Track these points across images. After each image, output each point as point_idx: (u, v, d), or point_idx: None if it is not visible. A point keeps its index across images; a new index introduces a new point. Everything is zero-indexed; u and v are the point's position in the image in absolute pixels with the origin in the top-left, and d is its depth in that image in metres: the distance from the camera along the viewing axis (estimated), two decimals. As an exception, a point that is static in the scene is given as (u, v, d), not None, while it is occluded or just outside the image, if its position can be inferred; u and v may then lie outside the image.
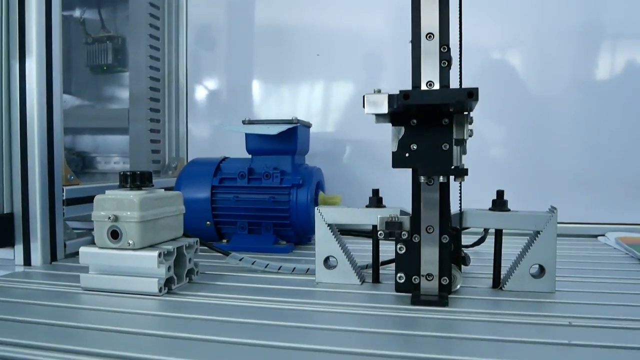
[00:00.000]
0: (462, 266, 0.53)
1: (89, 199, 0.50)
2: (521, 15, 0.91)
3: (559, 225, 0.49)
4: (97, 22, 0.98)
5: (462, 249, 0.53)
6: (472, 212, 0.51)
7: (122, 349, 0.35)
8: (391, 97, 0.45)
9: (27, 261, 0.64)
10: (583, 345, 0.36)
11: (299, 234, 0.75)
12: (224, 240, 0.76)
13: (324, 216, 0.54)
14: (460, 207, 0.52)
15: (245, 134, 0.74)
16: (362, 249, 0.67)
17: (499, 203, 0.51)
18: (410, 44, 0.47)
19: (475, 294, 0.50)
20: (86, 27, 0.99)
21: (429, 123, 0.47)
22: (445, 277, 0.48)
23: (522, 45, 0.93)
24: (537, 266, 0.50)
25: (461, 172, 0.46)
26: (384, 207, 0.54)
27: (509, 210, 0.51)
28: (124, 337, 0.38)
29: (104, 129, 1.02)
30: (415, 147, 0.47)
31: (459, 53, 0.50)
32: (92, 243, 0.52)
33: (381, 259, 0.56)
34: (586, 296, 0.49)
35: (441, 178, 0.47)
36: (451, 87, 0.46)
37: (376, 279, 0.55)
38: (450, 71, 0.47)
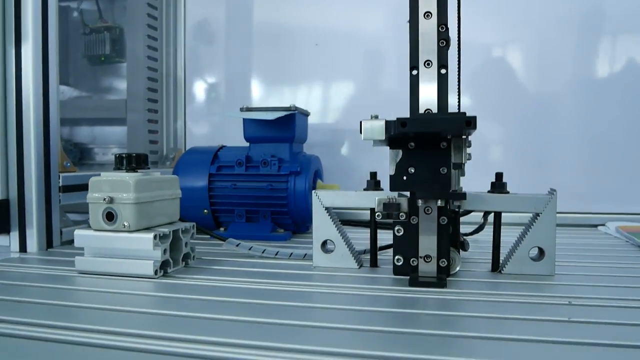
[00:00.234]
0: (461, 251, 0.53)
1: (86, 187, 0.50)
2: (520, 7, 0.91)
3: (558, 215, 0.49)
4: (94, 12, 0.98)
5: (462, 235, 0.53)
6: (471, 195, 0.50)
7: (117, 326, 0.35)
8: (388, 124, 0.45)
9: (23, 248, 0.63)
10: (583, 321, 0.36)
11: (297, 223, 0.75)
12: (222, 229, 0.76)
13: (322, 199, 0.53)
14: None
15: (243, 121, 0.74)
16: (360, 237, 0.67)
17: (498, 185, 0.51)
18: (407, 24, 0.47)
19: (474, 276, 0.50)
20: (84, 17, 0.98)
21: (427, 147, 0.46)
22: (444, 259, 0.48)
23: (521, 34, 0.92)
24: (536, 249, 0.50)
25: (459, 197, 0.46)
26: (382, 189, 0.53)
27: (508, 192, 0.51)
28: (119, 315, 0.38)
29: (101, 119, 1.01)
30: (413, 171, 0.46)
31: (457, 52, 0.49)
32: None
33: (379, 245, 0.55)
34: (586, 279, 0.48)
35: (439, 202, 0.46)
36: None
37: (374, 263, 0.54)
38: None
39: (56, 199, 0.66)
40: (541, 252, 0.49)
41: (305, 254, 0.57)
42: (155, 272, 0.48)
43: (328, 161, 0.88)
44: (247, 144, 0.76)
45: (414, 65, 0.47)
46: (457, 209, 0.50)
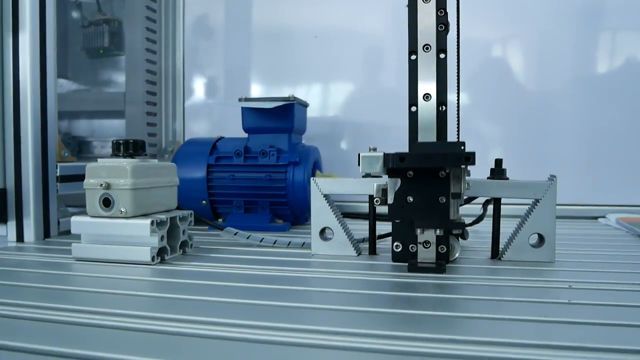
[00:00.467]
0: (460, 240, 0.53)
1: (84, 177, 0.50)
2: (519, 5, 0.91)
3: (558, 207, 0.49)
4: (93, 4, 0.97)
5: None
6: (470, 181, 0.50)
7: (113, 307, 0.34)
8: (386, 157, 0.44)
9: (20, 237, 0.63)
10: (583, 303, 0.35)
11: (295, 214, 0.74)
12: (220, 220, 0.75)
13: (320, 187, 0.53)
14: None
15: (242, 111, 0.74)
16: (359, 228, 0.66)
17: (497, 171, 0.50)
18: (407, 8, 0.47)
19: (473, 263, 0.49)
20: (82, 10, 0.98)
21: (426, 176, 0.46)
22: (443, 246, 0.48)
23: (520, 30, 0.92)
24: (536, 235, 0.49)
25: (458, 226, 0.46)
26: (380, 177, 0.53)
27: (507, 178, 0.50)
28: (115, 297, 0.38)
29: (100, 112, 1.01)
30: (411, 200, 0.46)
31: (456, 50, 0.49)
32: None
33: (378, 234, 0.55)
34: (586, 265, 0.48)
35: (437, 231, 0.45)
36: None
37: (373, 251, 0.54)
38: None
39: (54, 188, 0.66)
40: (541, 238, 0.49)
41: (304, 243, 0.57)
42: (153, 259, 0.48)
43: (327, 153, 0.88)
44: (246, 136, 0.76)
45: (412, 49, 0.46)
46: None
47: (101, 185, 0.48)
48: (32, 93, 0.63)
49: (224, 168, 0.74)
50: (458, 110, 0.51)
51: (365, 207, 0.53)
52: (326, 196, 0.53)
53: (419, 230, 0.45)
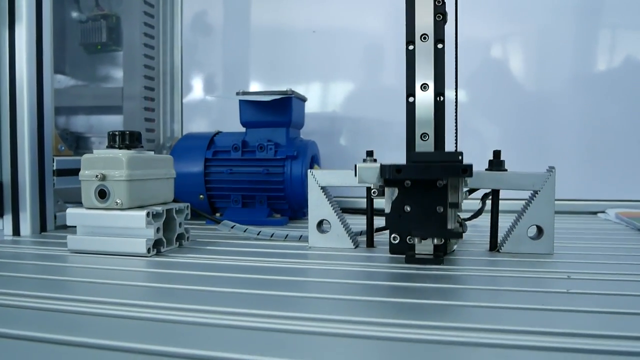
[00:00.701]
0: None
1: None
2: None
3: (557, 202, 0.48)
4: (91, 0, 0.97)
5: (459, 217, 0.52)
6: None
7: (108, 296, 0.34)
8: (383, 168, 0.44)
9: (16, 231, 0.63)
10: (581, 292, 0.35)
11: (293, 208, 0.74)
12: (218, 214, 0.75)
13: (317, 179, 0.53)
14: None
15: (240, 105, 0.73)
16: (357, 223, 0.66)
17: (496, 163, 0.50)
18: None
19: (471, 255, 0.49)
20: (80, 5, 0.97)
21: (424, 185, 0.45)
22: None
23: (519, 27, 0.92)
24: (535, 227, 0.49)
25: (456, 235, 0.45)
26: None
27: (505, 170, 0.50)
28: (110, 287, 0.37)
29: (97, 108, 1.00)
30: (408, 209, 0.46)
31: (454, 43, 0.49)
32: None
33: (376, 227, 0.55)
34: (585, 257, 0.48)
35: (435, 240, 0.45)
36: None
37: (370, 243, 0.54)
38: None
39: (50, 182, 0.65)
40: (540, 230, 0.49)
41: (301, 236, 0.57)
42: (148, 250, 0.48)
43: (326, 149, 0.88)
44: (244, 131, 0.76)
45: (410, 39, 0.46)
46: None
47: (97, 176, 0.48)
48: (28, 86, 0.62)
49: (222, 162, 0.73)
50: (456, 105, 0.51)
51: (363, 203, 0.53)
52: (323, 188, 0.53)
53: (416, 240, 0.45)
